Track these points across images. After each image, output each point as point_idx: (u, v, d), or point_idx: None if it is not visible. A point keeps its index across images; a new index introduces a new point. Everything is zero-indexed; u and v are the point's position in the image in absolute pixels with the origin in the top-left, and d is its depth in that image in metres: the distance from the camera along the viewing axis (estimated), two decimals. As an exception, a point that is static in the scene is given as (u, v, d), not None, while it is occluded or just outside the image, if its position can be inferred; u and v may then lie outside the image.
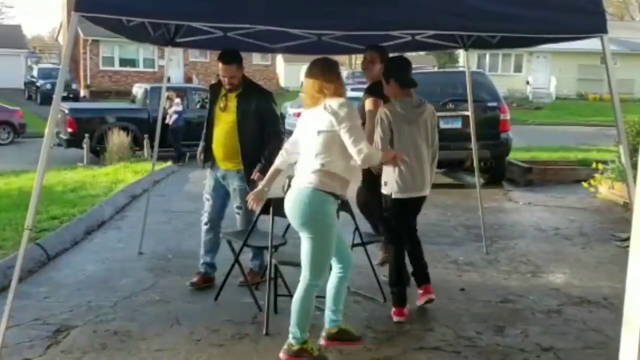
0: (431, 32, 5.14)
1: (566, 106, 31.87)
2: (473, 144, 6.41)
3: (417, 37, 5.50)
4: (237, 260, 4.65)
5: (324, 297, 4.43)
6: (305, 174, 3.59)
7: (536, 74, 36.53)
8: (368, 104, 4.82)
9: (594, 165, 9.37)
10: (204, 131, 5.06)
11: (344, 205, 4.47)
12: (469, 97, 6.37)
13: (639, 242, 2.95)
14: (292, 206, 3.60)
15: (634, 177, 3.50)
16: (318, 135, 3.56)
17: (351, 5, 3.59)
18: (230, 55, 4.79)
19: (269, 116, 4.88)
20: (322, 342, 3.85)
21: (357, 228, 4.67)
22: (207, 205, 5.09)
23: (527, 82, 35.55)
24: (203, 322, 4.32)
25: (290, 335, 3.69)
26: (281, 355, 3.70)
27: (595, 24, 3.49)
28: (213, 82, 5.42)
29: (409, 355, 3.89)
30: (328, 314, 3.87)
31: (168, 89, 15.51)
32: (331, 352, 3.87)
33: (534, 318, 4.53)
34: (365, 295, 4.81)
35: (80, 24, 3.16)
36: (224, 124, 4.88)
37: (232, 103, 4.84)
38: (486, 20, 3.48)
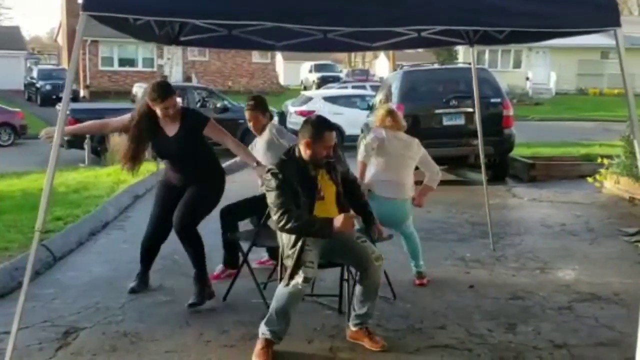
0: (437, 28, 5.12)
1: (566, 101, 31.81)
2: (480, 140, 6.38)
3: (423, 34, 5.46)
4: (245, 261, 4.63)
5: (334, 295, 4.43)
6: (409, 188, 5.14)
7: (536, 69, 36.47)
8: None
9: (599, 160, 9.35)
10: None
11: None
12: (475, 94, 6.33)
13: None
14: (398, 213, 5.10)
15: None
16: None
17: (359, 2, 3.56)
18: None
19: None
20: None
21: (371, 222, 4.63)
22: None
23: (527, 78, 35.49)
24: (212, 323, 4.29)
25: (422, 265, 5.19)
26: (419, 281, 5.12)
27: (608, 18, 3.44)
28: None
29: (421, 353, 3.87)
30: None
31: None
32: (342, 350, 3.86)
33: (545, 315, 4.50)
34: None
35: (79, 25, 3.12)
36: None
37: (325, 179, 3.95)
38: (497, 16, 3.43)
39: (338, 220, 3.65)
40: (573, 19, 3.49)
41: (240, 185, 5.90)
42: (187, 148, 4.66)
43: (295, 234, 3.70)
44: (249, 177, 5.26)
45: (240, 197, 5.32)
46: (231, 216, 5.11)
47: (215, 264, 5.22)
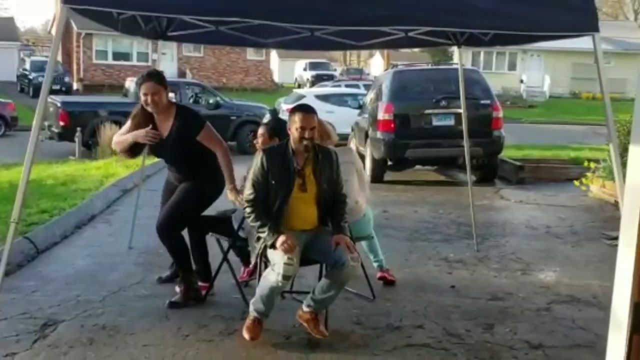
0: (424, 29, 5.14)
1: (559, 105, 31.96)
2: (465, 141, 6.40)
3: (410, 34, 5.48)
4: (225, 258, 4.64)
5: (307, 292, 4.44)
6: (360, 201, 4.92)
7: (530, 72, 36.61)
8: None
9: (585, 163, 9.39)
10: None
11: None
12: (462, 95, 6.36)
13: (627, 240, 2.96)
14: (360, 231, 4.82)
15: (624, 175, 3.50)
16: None
17: (344, 1, 3.59)
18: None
19: None
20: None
21: (347, 226, 4.64)
22: None
23: (521, 81, 35.63)
24: (192, 317, 4.30)
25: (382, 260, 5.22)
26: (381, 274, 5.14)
27: (586, 23, 3.49)
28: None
29: (398, 352, 3.89)
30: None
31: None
32: (319, 347, 3.88)
33: (523, 316, 4.53)
34: (355, 292, 4.80)
35: (74, 17, 3.17)
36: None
37: (310, 176, 4.01)
38: (478, 18, 3.47)
39: (281, 238, 3.79)
40: (552, 23, 3.52)
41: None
42: (180, 151, 4.52)
43: (250, 225, 4.04)
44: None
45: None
46: (197, 233, 4.79)
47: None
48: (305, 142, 3.89)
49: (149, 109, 4.40)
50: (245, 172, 4.73)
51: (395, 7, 3.50)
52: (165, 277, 5.03)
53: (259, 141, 4.60)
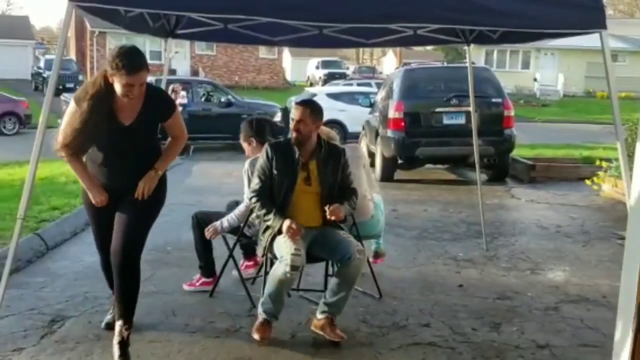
0: (432, 27, 5.12)
1: (573, 103, 31.72)
2: (474, 140, 6.38)
3: (419, 32, 5.46)
4: (230, 255, 4.65)
5: (320, 291, 4.44)
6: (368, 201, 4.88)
7: (544, 70, 36.37)
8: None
9: (597, 163, 9.32)
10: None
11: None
12: (471, 93, 6.34)
13: (633, 239, 2.94)
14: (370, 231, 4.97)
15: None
16: None
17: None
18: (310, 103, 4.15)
19: None
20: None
21: (354, 223, 4.64)
22: None
23: (535, 79, 35.40)
24: (198, 314, 4.32)
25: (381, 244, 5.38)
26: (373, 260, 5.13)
27: (594, 20, 3.46)
28: (271, 139, 4.42)
29: (404, 350, 3.87)
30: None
31: (174, 81, 15.52)
32: (325, 345, 3.87)
33: (530, 315, 4.50)
34: (362, 291, 4.79)
35: (87, 15, 3.17)
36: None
37: (314, 172, 4.05)
38: (483, 15, 3.45)
39: (286, 222, 3.84)
40: (559, 20, 3.50)
41: (237, 178, 5.91)
42: (142, 141, 3.60)
43: (257, 216, 4.09)
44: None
45: (234, 193, 5.33)
46: (201, 229, 4.69)
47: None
48: (294, 134, 4.01)
49: (127, 99, 3.44)
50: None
51: (399, 5, 3.48)
52: (112, 320, 3.93)
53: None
